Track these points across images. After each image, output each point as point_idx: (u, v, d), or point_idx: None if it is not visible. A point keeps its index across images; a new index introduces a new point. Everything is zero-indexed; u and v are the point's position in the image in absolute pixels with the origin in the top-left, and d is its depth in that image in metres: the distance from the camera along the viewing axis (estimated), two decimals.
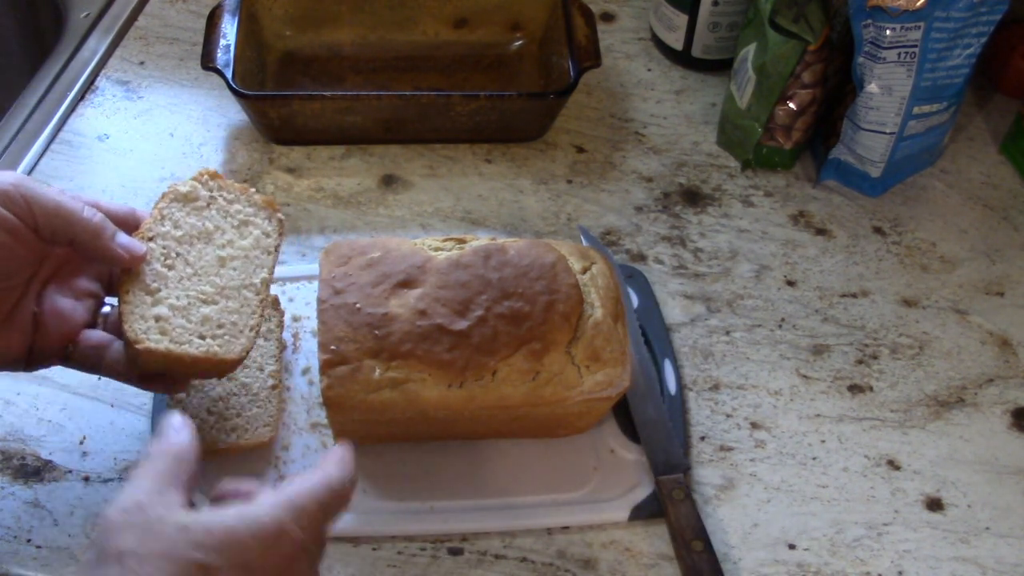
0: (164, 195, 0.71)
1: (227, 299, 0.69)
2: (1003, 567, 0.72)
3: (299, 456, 0.74)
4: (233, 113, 0.99)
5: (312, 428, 0.76)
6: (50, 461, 0.74)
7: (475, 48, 1.05)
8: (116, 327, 0.68)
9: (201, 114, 0.99)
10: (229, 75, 0.91)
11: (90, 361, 0.67)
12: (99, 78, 1.02)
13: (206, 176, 0.73)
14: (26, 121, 0.97)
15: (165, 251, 0.68)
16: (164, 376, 0.68)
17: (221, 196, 0.73)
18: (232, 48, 0.93)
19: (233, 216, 0.72)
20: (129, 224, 0.68)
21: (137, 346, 0.64)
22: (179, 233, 0.70)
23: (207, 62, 0.91)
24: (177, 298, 0.67)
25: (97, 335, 0.67)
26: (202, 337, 0.67)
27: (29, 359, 0.65)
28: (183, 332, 0.66)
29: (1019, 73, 1.02)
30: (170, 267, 0.68)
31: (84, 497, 0.73)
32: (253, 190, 0.74)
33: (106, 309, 0.69)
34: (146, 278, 0.67)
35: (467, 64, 1.04)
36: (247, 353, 0.68)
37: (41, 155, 0.94)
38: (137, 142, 0.97)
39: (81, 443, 0.75)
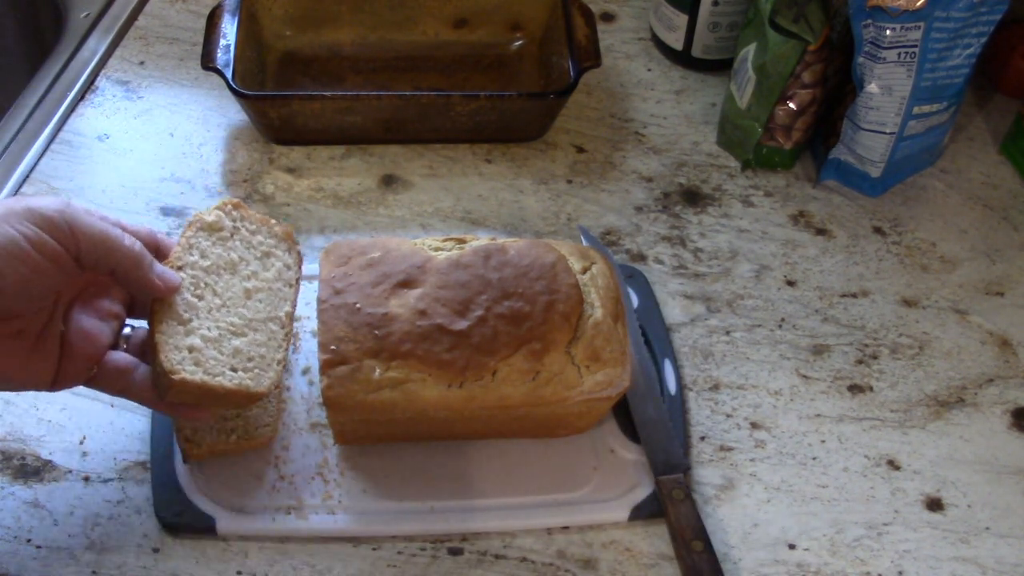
0: (190, 223, 0.71)
1: (255, 331, 0.69)
2: (1003, 567, 0.72)
3: (299, 456, 0.74)
4: (233, 113, 0.99)
5: (312, 428, 0.76)
6: (50, 461, 0.74)
7: (475, 48, 1.05)
8: (139, 350, 0.69)
9: (201, 114, 0.99)
10: (229, 75, 0.91)
11: (115, 384, 0.67)
12: (99, 78, 1.02)
13: (229, 206, 0.73)
14: (26, 121, 0.97)
15: (194, 281, 0.68)
16: (188, 404, 0.68)
17: (244, 226, 0.73)
18: (232, 48, 0.92)
19: (256, 247, 0.73)
20: (150, 247, 0.68)
21: (173, 376, 0.64)
22: (207, 263, 0.70)
23: (207, 62, 0.91)
24: (208, 329, 0.67)
25: (123, 358, 0.67)
26: (234, 369, 0.67)
27: (55, 380, 0.64)
28: (216, 364, 0.66)
29: (1019, 73, 1.02)
30: (199, 297, 0.68)
31: (84, 497, 0.73)
32: (274, 221, 0.75)
33: (127, 331, 0.69)
34: (178, 308, 0.67)
35: (467, 64, 1.04)
36: (274, 387, 0.69)
37: (41, 155, 0.94)
38: (137, 142, 0.97)
39: (81, 443, 0.75)
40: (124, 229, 0.66)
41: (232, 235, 0.72)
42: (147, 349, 0.67)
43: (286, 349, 0.71)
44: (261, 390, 0.68)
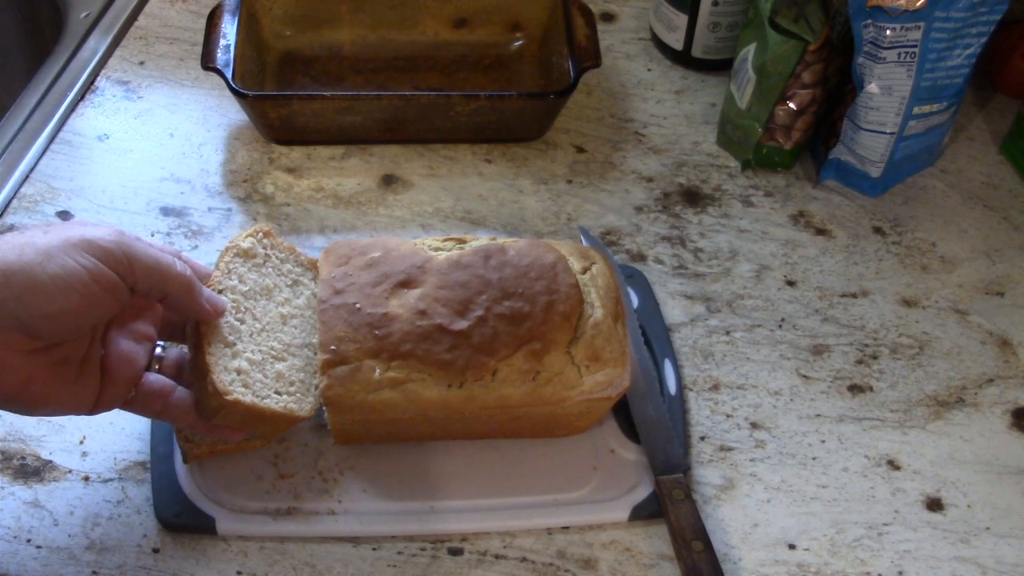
0: (227, 249, 0.72)
1: (293, 356, 0.71)
2: (1003, 567, 0.72)
3: (299, 456, 0.74)
4: (233, 113, 0.99)
5: (312, 428, 0.76)
6: (50, 461, 0.74)
7: (475, 48, 1.05)
8: (173, 371, 0.69)
9: (201, 114, 0.99)
10: (229, 75, 0.91)
11: (152, 406, 0.67)
12: (99, 78, 1.02)
13: (260, 233, 0.74)
14: (26, 121, 0.97)
15: (235, 304, 0.70)
16: (227, 425, 0.68)
17: (274, 254, 0.75)
18: (232, 48, 0.93)
19: (286, 275, 0.75)
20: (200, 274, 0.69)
21: (226, 398, 0.65)
22: (245, 288, 0.71)
23: (207, 62, 0.91)
24: (252, 352, 0.69)
25: (159, 380, 0.67)
26: (279, 393, 0.69)
27: (95, 404, 0.64)
28: (263, 387, 0.68)
29: (1019, 73, 1.02)
30: (241, 321, 0.70)
31: (84, 497, 0.73)
32: (300, 251, 0.76)
33: (159, 351, 0.70)
34: (224, 331, 0.68)
35: (467, 64, 1.04)
36: (315, 412, 0.70)
37: (41, 155, 0.94)
38: (137, 142, 0.97)
39: (81, 443, 0.75)
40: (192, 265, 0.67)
41: (264, 262, 0.74)
42: (188, 371, 0.68)
43: (320, 376, 0.71)
44: (304, 415, 0.69)
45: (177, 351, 0.71)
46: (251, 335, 0.70)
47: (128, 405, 0.67)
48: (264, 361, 0.69)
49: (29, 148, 0.94)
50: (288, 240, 0.88)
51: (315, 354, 0.72)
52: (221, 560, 0.70)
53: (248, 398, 0.66)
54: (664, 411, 0.77)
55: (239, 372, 0.67)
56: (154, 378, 0.67)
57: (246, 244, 0.73)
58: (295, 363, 0.71)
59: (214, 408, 0.66)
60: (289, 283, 0.75)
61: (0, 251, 0.57)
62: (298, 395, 0.70)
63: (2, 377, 0.58)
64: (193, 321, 0.67)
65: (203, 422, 0.68)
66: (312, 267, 0.77)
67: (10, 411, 0.62)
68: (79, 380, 0.62)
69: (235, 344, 0.68)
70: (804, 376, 0.82)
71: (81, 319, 0.60)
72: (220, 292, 0.69)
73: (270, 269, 0.74)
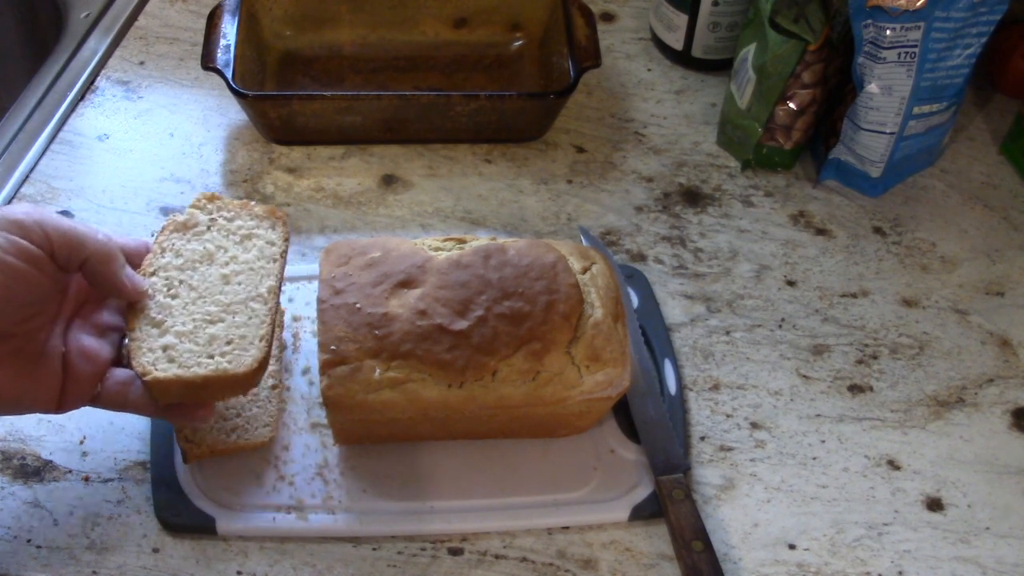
0: (163, 228, 0.72)
1: (233, 315, 0.69)
2: (1003, 567, 0.72)
3: (299, 456, 0.74)
4: (233, 113, 0.99)
5: (312, 428, 0.76)
6: (50, 461, 0.74)
7: (475, 48, 1.05)
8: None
9: (201, 114, 0.99)
10: (229, 75, 0.91)
11: (117, 400, 0.67)
12: (99, 78, 1.02)
13: (204, 200, 0.74)
14: (26, 121, 0.97)
15: (168, 282, 0.69)
16: (184, 405, 0.68)
17: (221, 216, 0.73)
18: (232, 48, 0.93)
19: (235, 233, 0.73)
20: (142, 255, 0.69)
21: (145, 378, 0.64)
22: (180, 261, 0.70)
23: (207, 62, 0.91)
24: (183, 324, 0.67)
25: (122, 373, 0.67)
26: (210, 356, 0.67)
27: (60, 402, 0.64)
28: (191, 356, 0.66)
29: (1019, 73, 1.02)
30: (174, 296, 0.69)
31: (84, 497, 0.73)
32: (253, 203, 0.75)
33: (126, 340, 0.69)
34: (151, 312, 0.67)
35: (467, 64, 1.04)
36: (261, 364, 0.67)
37: (41, 155, 0.94)
38: (137, 142, 0.97)
39: (81, 443, 0.75)
40: (115, 241, 0.66)
41: (209, 227, 0.73)
42: None
43: (271, 324, 0.69)
44: (243, 370, 0.66)
45: None
46: (184, 307, 0.68)
47: (96, 402, 0.66)
48: (196, 329, 0.67)
49: (29, 148, 0.94)
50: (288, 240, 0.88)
51: (264, 305, 0.70)
52: (221, 560, 0.70)
53: (170, 372, 0.65)
54: (664, 411, 0.77)
55: (165, 348, 0.66)
56: (117, 372, 0.67)
57: (183, 217, 0.72)
58: (236, 320, 0.69)
59: (147, 391, 0.65)
60: (238, 240, 0.73)
61: None
62: (236, 352, 0.67)
63: None
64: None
65: (155, 408, 0.67)
66: (271, 214, 0.74)
67: None
68: (37, 375, 0.62)
69: (163, 322, 0.67)
70: (804, 376, 0.82)
71: (14, 298, 0.60)
72: (152, 274, 0.68)
73: (215, 232, 0.72)
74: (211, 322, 0.68)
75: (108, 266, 0.64)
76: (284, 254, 0.73)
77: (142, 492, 0.73)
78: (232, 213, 0.74)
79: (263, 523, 0.71)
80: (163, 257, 0.70)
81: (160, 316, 0.67)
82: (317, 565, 0.70)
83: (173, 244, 0.71)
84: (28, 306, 0.62)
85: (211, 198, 0.74)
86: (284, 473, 0.73)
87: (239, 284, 0.70)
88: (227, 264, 0.71)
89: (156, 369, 0.65)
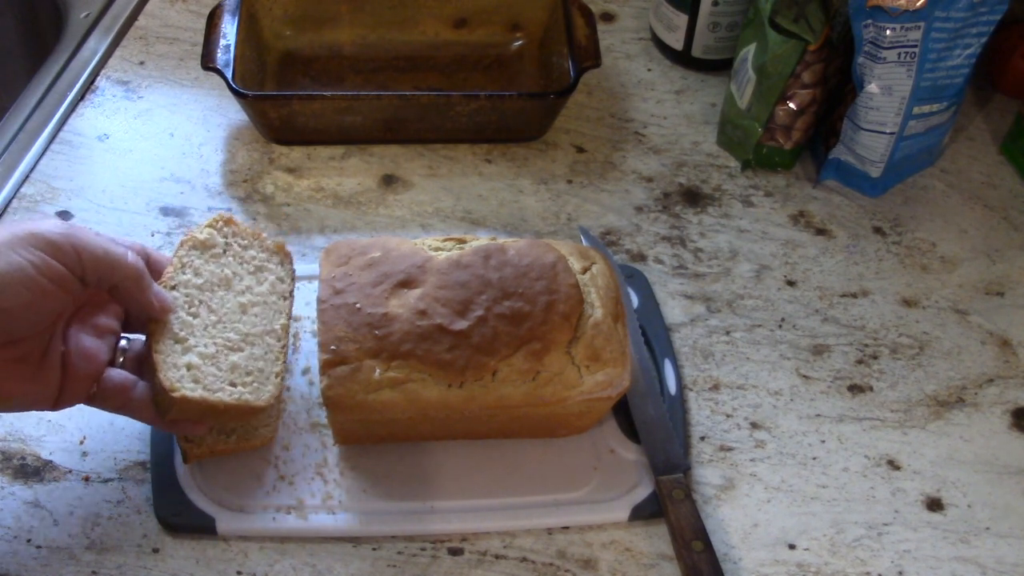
0: (182, 243, 0.72)
1: (252, 346, 0.70)
2: (1003, 567, 0.72)
3: (299, 456, 0.74)
4: (233, 113, 0.99)
5: (312, 428, 0.76)
6: (50, 461, 0.74)
7: (475, 48, 1.05)
8: (135, 365, 0.69)
9: (201, 114, 0.99)
10: (229, 75, 0.91)
11: (114, 401, 0.67)
12: (99, 78, 1.02)
13: (221, 222, 0.74)
14: (26, 121, 0.97)
15: (188, 299, 0.69)
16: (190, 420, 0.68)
17: (236, 242, 0.74)
18: (232, 48, 0.93)
19: (248, 262, 0.74)
20: (156, 268, 0.69)
21: (173, 394, 0.65)
22: (200, 281, 0.71)
23: (207, 62, 0.91)
24: (205, 346, 0.68)
25: (121, 375, 0.67)
26: (233, 384, 0.68)
27: (57, 400, 0.65)
28: (215, 380, 0.67)
29: (1019, 73, 1.02)
30: (195, 315, 0.69)
31: (84, 497, 0.72)
32: (264, 235, 0.76)
33: (123, 344, 0.70)
34: (173, 327, 0.68)
35: (467, 64, 1.04)
36: (276, 399, 0.70)
37: (41, 155, 0.94)
38: (137, 142, 0.97)
39: (81, 443, 0.75)
40: (145, 252, 0.66)
41: (225, 251, 0.73)
42: (145, 367, 0.68)
43: (283, 361, 0.71)
44: (261, 404, 0.69)
45: (141, 344, 0.70)
46: (205, 328, 0.69)
47: (91, 401, 0.67)
48: (218, 354, 0.68)
49: (29, 148, 0.94)
50: (288, 240, 0.88)
51: (278, 341, 0.72)
52: (221, 560, 0.70)
53: (197, 393, 0.66)
54: (664, 411, 0.77)
55: (189, 367, 0.67)
56: (115, 373, 0.67)
57: (203, 236, 0.72)
58: (254, 352, 0.70)
59: (166, 405, 0.66)
60: (251, 270, 0.74)
61: None
62: (255, 385, 0.69)
63: None
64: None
65: (160, 418, 0.67)
66: (279, 251, 0.76)
67: None
68: (39, 376, 0.62)
69: (187, 339, 0.68)
70: (804, 376, 0.82)
71: (33, 314, 0.60)
72: (172, 287, 0.69)
73: (230, 258, 0.73)
74: (232, 349, 0.69)
75: (138, 287, 0.65)
76: (292, 293, 0.75)
77: (142, 492, 0.73)
78: (246, 241, 0.75)
79: (263, 523, 0.71)
80: (184, 273, 0.70)
81: (183, 333, 0.68)
82: (317, 565, 0.70)
83: (192, 261, 0.71)
84: (45, 320, 0.62)
85: (227, 221, 0.74)
86: (284, 473, 0.73)
87: (255, 316, 0.72)
88: (243, 293, 0.72)
89: (184, 388, 0.65)
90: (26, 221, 0.61)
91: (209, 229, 0.73)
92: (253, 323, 0.71)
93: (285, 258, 0.76)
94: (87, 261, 0.61)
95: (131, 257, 0.64)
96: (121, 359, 0.69)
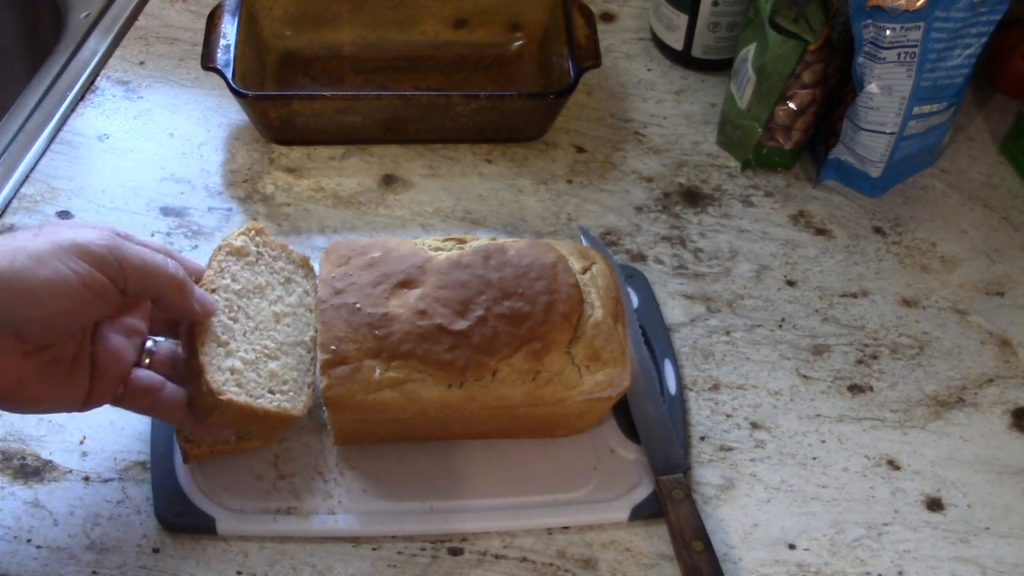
0: (219, 248, 0.72)
1: (286, 355, 0.71)
2: (1003, 567, 0.72)
3: (299, 456, 0.74)
4: (233, 113, 0.99)
5: (312, 428, 0.76)
6: (50, 461, 0.74)
7: (475, 48, 1.05)
8: (163, 367, 0.69)
9: (201, 114, 0.99)
10: (229, 75, 0.91)
11: (142, 402, 0.67)
12: (99, 78, 1.02)
13: (253, 231, 0.75)
14: (26, 121, 0.97)
15: (228, 303, 0.70)
16: (217, 423, 0.69)
17: (266, 252, 0.75)
18: (232, 48, 0.93)
19: (278, 273, 0.75)
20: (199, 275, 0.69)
21: (220, 397, 0.65)
22: (238, 287, 0.71)
23: (207, 62, 0.91)
24: (246, 352, 0.69)
25: (149, 376, 0.67)
26: (272, 392, 0.69)
27: (86, 401, 0.65)
28: (256, 386, 0.68)
29: (1019, 73, 1.02)
30: (234, 319, 0.70)
31: (84, 497, 0.73)
32: (291, 248, 0.77)
33: (149, 345, 0.70)
34: (216, 330, 0.68)
35: (467, 64, 1.04)
36: (308, 410, 0.71)
37: (41, 155, 0.94)
38: (137, 142, 0.97)
39: (81, 443, 0.75)
40: (173, 258, 0.66)
41: (257, 260, 0.74)
42: (182, 370, 0.68)
43: (313, 374, 0.72)
44: (297, 413, 0.70)
45: (168, 346, 0.71)
46: (244, 334, 0.70)
47: (118, 401, 0.67)
48: (257, 360, 0.69)
49: (29, 148, 0.94)
50: (288, 240, 0.88)
51: (308, 352, 0.73)
52: (221, 560, 0.70)
53: (242, 398, 0.66)
54: (664, 411, 0.77)
55: (232, 371, 0.67)
56: (143, 374, 0.67)
57: (238, 242, 0.73)
58: (288, 362, 0.71)
59: (208, 407, 0.66)
60: (281, 281, 0.75)
61: None
62: (291, 394, 0.70)
63: None
64: (187, 320, 0.67)
65: (195, 420, 0.68)
66: (304, 264, 0.77)
67: (2, 410, 0.62)
68: (70, 377, 0.63)
69: (228, 343, 0.68)
70: (804, 376, 0.82)
71: (72, 322, 0.60)
72: (212, 291, 0.69)
73: (263, 267, 0.74)
74: (269, 357, 0.70)
75: (180, 295, 0.65)
76: (315, 306, 0.75)
77: (142, 492, 0.73)
78: (275, 252, 0.76)
79: (263, 523, 0.71)
80: (223, 278, 0.71)
81: (225, 337, 0.68)
82: (317, 565, 0.70)
83: (230, 267, 0.72)
84: (82, 326, 0.63)
85: (258, 231, 0.75)
86: (284, 473, 0.73)
87: (287, 326, 0.73)
88: (276, 302, 0.73)
89: (229, 391, 0.66)
90: (67, 229, 0.61)
91: (243, 237, 0.74)
92: (286, 333, 0.72)
93: (309, 272, 0.77)
94: (130, 274, 0.61)
95: (171, 267, 0.64)
96: (147, 360, 0.69)
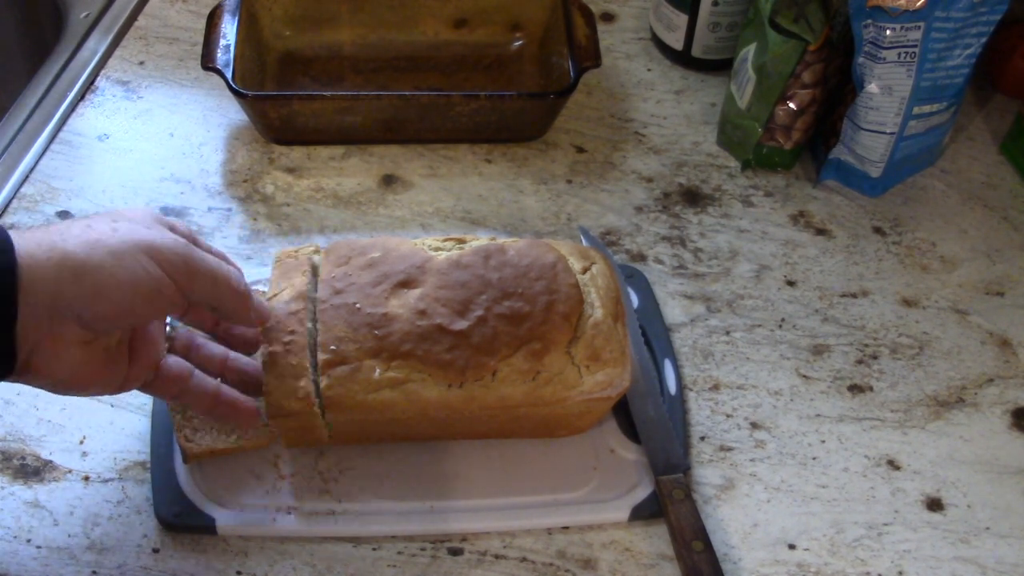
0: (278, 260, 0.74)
1: None
2: (1003, 567, 0.72)
3: (299, 456, 0.74)
4: (233, 113, 0.99)
5: None
6: (50, 461, 0.74)
7: (475, 48, 1.05)
8: (182, 352, 0.71)
9: (201, 114, 0.99)
10: (229, 75, 0.91)
11: (171, 389, 0.68)
12: (99, 78, 1.02)
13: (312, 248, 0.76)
14: (26, 121, 0.97)
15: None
16: (239, 408, 0.70)
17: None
18: (232, 48, 0.93)
19: None
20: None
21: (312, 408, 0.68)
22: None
23: (207, 62, 0.91)
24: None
25: (178, 364, 0.68)
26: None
27: (122, 385, 0.66)
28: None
29: (1019, 73, 1.02)
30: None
31: (84, 497, 0.73)
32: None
33: (168, 330, 0.71)
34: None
35: (467, 64, 1.04)
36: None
37: (41, 155, 0.94)
38: (137, 142, 0.97)
39: (81, 443, 0.75)
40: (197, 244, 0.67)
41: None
42: (265, 370, 0.68)
43: (320, 376, 0.73)
44: None
45: (186, 332, 0.72)
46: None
47: (147, 387, 0.68)
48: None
49: (29, 148, 0.94)
50: (288, 240, 0.88)
51: None
52: (221, 560, 0.70)
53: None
54: (664, 411, 0.77)
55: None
56: (173, 361, 0.68)
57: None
58: None
59: (288, 411, 0.67)
60: None
61: (71, 245, 0.58)
62: None
63: (57, 365, 0.60)
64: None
65: (210, 403, 0.68)
66: None
67: (55, 392, 0.63)
68: (113, 363, 0.64)
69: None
70: (804, 376, 0.82)
71: (136, 319, 0.63)
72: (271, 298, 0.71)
73: None
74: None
75: (242, 307, 0.66)
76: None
77: (142, 492, 0.73)
78: None
79: (263, 523, 0.71)
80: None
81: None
82: (317, 565, 0.70)
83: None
84: (143, 322, 0.65)
85: (315, 251, 0.76)
86: (284, 473, 0.73)
87: None
88: None
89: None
90: (144, 228, 0.62)
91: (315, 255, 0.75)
92: None
93: None
94: (198, 284, 0.63)
95: (235, 279, 0.65)
96: (167, 344, 0.70)
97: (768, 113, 0.92)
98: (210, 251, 0.66)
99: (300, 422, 0.69)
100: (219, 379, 0.70)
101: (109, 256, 0.59)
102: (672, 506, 0.71)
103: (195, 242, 0.66)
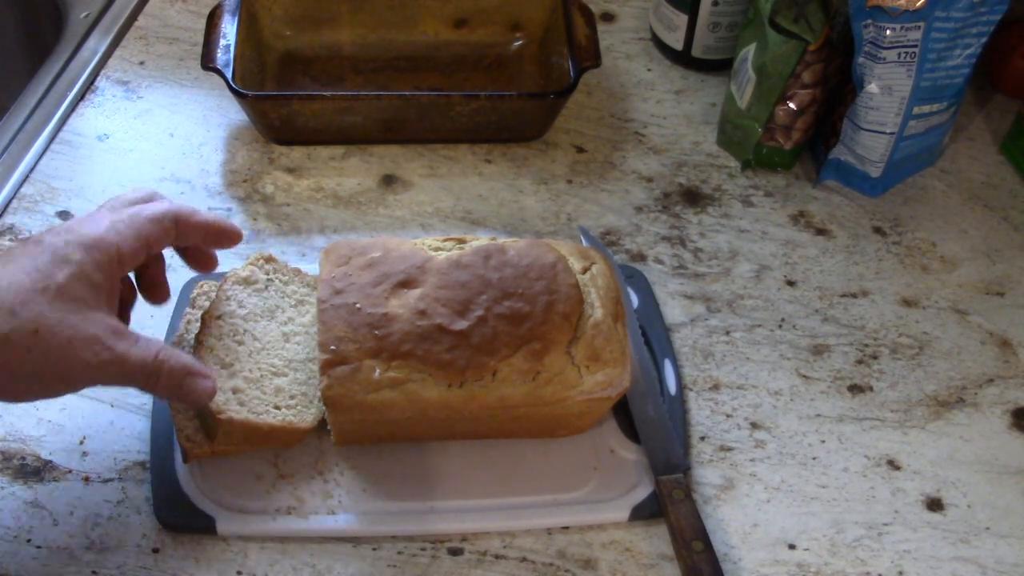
0: (226, 278, 0.76)
1: (295, 371, 0.73)
2: (1003, 567, 0.72)
3: (299, 456, 0.74)
4: (233, 113, 0.99)
5: (312, 428, 0.76)
6: (50, 461, 0.74)
7: (475, 48, 1.05)
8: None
9: (201, 114, 0.99)
10: (229, 75, 0.91)
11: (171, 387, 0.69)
12: (99, 78, 1.02)
13: (261, 260, 0.78)
14: (26, 121, 0.97)
15: (233, 328, 0.73)
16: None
17: (277, 278, 0.78)
18: (232, 48, 0.93)
19: (290, 296, 0.78)
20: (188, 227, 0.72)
21: (220, 416, 0.68)
22: (244, 312, 0.75)
23: (207, 62, 0.91)
24: (250, 371, 0.72)
25: (179, 362, 0.69)
26: (277, 407, 0.71)
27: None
28: (259, 403, 0.71)
29: (1019, 73, 1.02)
30: (239, 343, 0.73)
31: (84, 497, 0.72)
32: (304, 271, 0.79)
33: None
34: (219, 352, 0.71)
35: (467, 64, 1.04)
36: (319, 422, 0.72)
37: (41, 155, 0.94)
38: (137, 142, 0.97)
39: (81, 443, 0.75)
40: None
41: (267, 286, 0.77)
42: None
43: (320, 376, 0.73)
44: (305, 426, 0.71)
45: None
46: (250, 355, 0.73)
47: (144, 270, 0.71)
48: (263, 378, 0.72)
49: (29, 148, 0.94)
50: (288, 240, 0.88)
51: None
52: (221, 560, 0.70)
53: (242, 415, 0.69)
54: (664, 411, 0.77)
55: (235, 391, 0.70)
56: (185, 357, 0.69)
57: (245, 273, 0.77)
58: (297, 377, 0.73)
59: (212, 428, 0.69)
60: (293, 303, 0.77)
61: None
62: (299, 407, 0.72)
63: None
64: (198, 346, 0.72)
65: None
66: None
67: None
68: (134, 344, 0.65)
69: (232, 364, 0.71)
70: (804, 376, 0.82)
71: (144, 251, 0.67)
72: (217, 318, 0.73)
73: (272, 292, 0.77)
74: (275, 374, 0.73)
75: (193, 215, 0.70)
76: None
77: (142, 492, 0.73)
78: (287, 277, 0.79)
79: (263, 523, 0.71)
80: (228, 305, 0.74)
81: (228, 358, 0.72)
82: (317, 565, 0.70)
83: (236, 295, 0.75)
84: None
85: (268, 259, 0.78)
86: (284, 473, 0.73)
87: (297, 344, 0.75)
88: (286, 323, 0.76)
89: (230, 410, 0.69)
90: (128, 203, 0.68)
91: (251, 267, 0.77)
92: (296, 351, 0.75)
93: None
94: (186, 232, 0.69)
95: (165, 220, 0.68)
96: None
97: (768, 113, 0.92)
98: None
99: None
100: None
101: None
102: (672, 506, 0.71)
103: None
